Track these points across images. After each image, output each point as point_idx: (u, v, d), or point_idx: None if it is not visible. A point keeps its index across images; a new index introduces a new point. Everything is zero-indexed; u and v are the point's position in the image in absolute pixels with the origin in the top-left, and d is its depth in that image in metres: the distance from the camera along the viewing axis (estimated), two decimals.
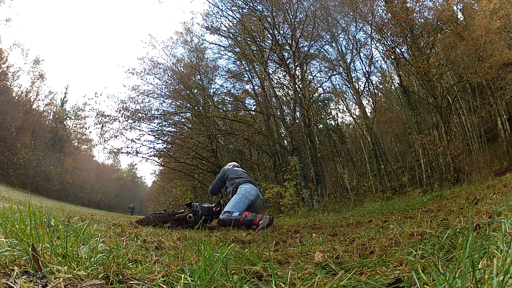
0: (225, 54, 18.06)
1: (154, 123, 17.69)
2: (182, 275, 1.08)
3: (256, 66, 16.87)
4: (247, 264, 1.41)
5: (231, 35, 16.23)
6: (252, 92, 17.79)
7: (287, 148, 15.02)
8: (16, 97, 26.13)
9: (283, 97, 16.85)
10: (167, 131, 18.72)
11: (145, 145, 17.43)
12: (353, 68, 15.28)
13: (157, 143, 18.45)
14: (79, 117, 32.26)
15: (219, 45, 17.47)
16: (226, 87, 19.09)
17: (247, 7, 14.60)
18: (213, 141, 17.39)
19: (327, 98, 18.50)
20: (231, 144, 17.95)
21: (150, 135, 17.80)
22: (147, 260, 1.32)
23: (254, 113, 17.65)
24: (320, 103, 18.07)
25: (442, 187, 10.05)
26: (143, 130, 17.01)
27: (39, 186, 25.67)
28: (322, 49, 16.20)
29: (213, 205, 4.64)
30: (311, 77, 17.40)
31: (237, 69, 18.54)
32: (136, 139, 16.79)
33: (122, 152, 16.93)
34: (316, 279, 1.14)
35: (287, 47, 14.91)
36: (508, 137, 12.27)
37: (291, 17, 14.21)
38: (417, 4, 11.98)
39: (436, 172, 11.90)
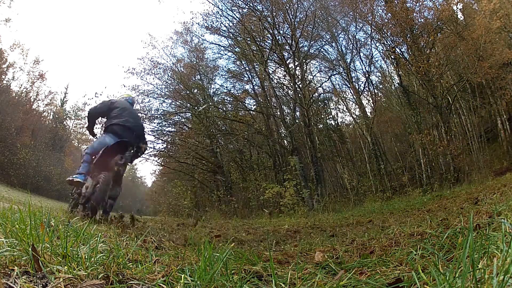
0: (225, 54, 18.05)
1: (154, 123, 17.70)
2: (182, 275, 1.08)
3: (256, 66, 16.86)
4: (247, 264, 1.41)
5: (231, 35, 16.23)
6: (252, 92, 17.79)
7: (287, 148, 15.02)
8: (16, 97, 26.11)
9: (283, 97, 16.83)
10: (167, 131, 18.74)
11: None
12: (353, 68, 15.27)
13: (157, 143, 18.46)
14: (79, 117, 32.24)
15: (219, 45, 17.47)
16: (226, 87, 19.09)
17: (247, 7, 14.60)
18: (213, 141, 17.38)
19: (327, 98, 18.49)
20: (231, 144, 17.94)
21: (150, 135, 17.81)
22: (147, 260, 1.32)
23: (254, 113, 17.64)
24: (320, 103, 18.06)
25: (442, 187, 10.05)
26: None
27: (39, 186, 25.64)
28: (322, 49, 16.20)
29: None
30: (311, 77, 17.41)
31: (237, 69, 18.54)
32: None
33: None
34: (316, 279, 1.14)
35: (287, 47, 14.91)
36: (508, 137, 12.27)
37: (291, 17, 14.21)
38: (417, 4, 11.99)
39: (436, 172, 11.89)
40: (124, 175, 4.09)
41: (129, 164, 4.29)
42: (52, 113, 30.42)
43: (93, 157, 3.55)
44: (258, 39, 15.17)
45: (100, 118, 4.11)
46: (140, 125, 4.16)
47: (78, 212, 3.43)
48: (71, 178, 3.51)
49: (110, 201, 3.77)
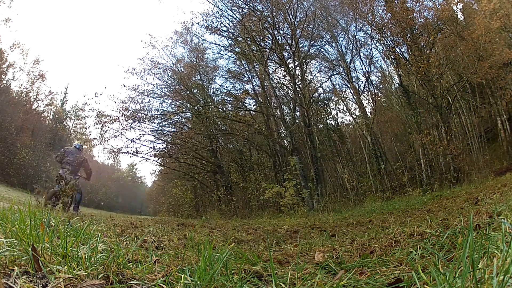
0: (225, 54, 18.05)
1: (154, 123, 17.71)
2: (182, 275, 1.07)
3: (256, 66, 16.86)
4: (247, 264, 1.41)
5: (231, 35, 16.23)
6: (252, 92, 17.79)
7: (287, 148, 15.02)
8: (16, 97, 26.09)
9: (283, 97, 16.83)
10: (167, 131, 18.75)
11: (145, 145, 17.46)
12: (353, 68, 15.24)
13: (157, 143, 18.47)
14: (79, 117, 32.23)
15: (219, 45, 17.47)
16: (226, 87, 19.09)
17: (247, 7, 14.60)
18: (213, 141, 17.38)
19: (327, 98, 18.48)
20: (231, 144, 17.95)
21: (150, 135, 17.82)
22: (147, 260, 1.32)
23: (254, 113, 17.64)
24: (320, 103, 18.05)
25: (442, 187, 10.05)
26: (143, 130, 17.04)
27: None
28: (322, 49, 16.18)
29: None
30: (311, 77, 17.40)
31: (237, 69, 18.53)
32: (136, 139, 16.81)
33: (122, 152, 16.97)
34: (316, 279, 1.14)
35: (287, 47, 14.91)
36: (508, 137, 12.26)
37: (291, 17, 14.21)
38: (417, 4, 11.99)
39: (436, 172, 11.90)
40: (80, 185, 6.90)
41: (85, 179, 7.30)
42: (52, 113, 30.43)
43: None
44: (258, 39, 15.17)
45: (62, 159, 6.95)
46: (81, 161, 6.99)
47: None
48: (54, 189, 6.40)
49: (74, 201, 6.40)
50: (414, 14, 11.89)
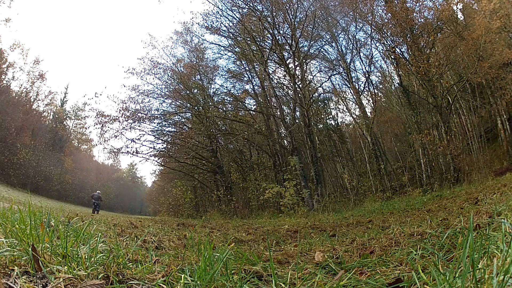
0: (225, 54, 18.08)
1: (154, 123, 17.73)
2: (182, 275, 1.07)
3: (256, 66, 16.87)
4: (247, 264, 1.41)
5: (231, 35, 16.24)
6: (252, 92, 17.80)
7: (287, 148, 15.03)
8: (16, 97, 26.13)
9: (283, 97, 16.85)
10: (167, 131, 18.77)
11: (145, 145, 17.49)
12: (353, 68, 15.28)
13: (157, 143, 18.49)
14: (79, 117, 32.29)
15: (219, 45, 17.49)
16: (226, 87, 19.11)
17: (247, 7, 14.61)
18: (213, 141, 17.39)
19: (327, 98, 18.50)
20: (231, 144, 17.96)
21: (150, 135, 17.85)
22: (147, 260, 1.32)
23: (254, 113, 17.65)
24: (320, 103, 18.07)
25: (442, 187, 10.05)
26: (143, 130, 17.07)
27: (39, 186, 25.68)
28: (322, 49, 16.21)
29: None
30: (311, 77, 17.42)
31: (237, 69, 18.56)
32: (136, 139, 16.85)
33: (122, 152, 17.02)
34: (316, 279, 1.14)
35: (287, 47, 14.92)
36: (508, 137, 12.26)
37: (291, 17, 14.22)
38: (417, 4, 12.00)
39: (436, 172, 11.90)
40: (100, 202, 16.70)
41: (100, 201, 16.63)
42: (52, 113, 30.44)
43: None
44: (258, 39, 15.18)
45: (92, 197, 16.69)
46: (99, 197, 16.26)
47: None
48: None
49: (97, 208, 16.11)
50: (414, 14, 11.91)
